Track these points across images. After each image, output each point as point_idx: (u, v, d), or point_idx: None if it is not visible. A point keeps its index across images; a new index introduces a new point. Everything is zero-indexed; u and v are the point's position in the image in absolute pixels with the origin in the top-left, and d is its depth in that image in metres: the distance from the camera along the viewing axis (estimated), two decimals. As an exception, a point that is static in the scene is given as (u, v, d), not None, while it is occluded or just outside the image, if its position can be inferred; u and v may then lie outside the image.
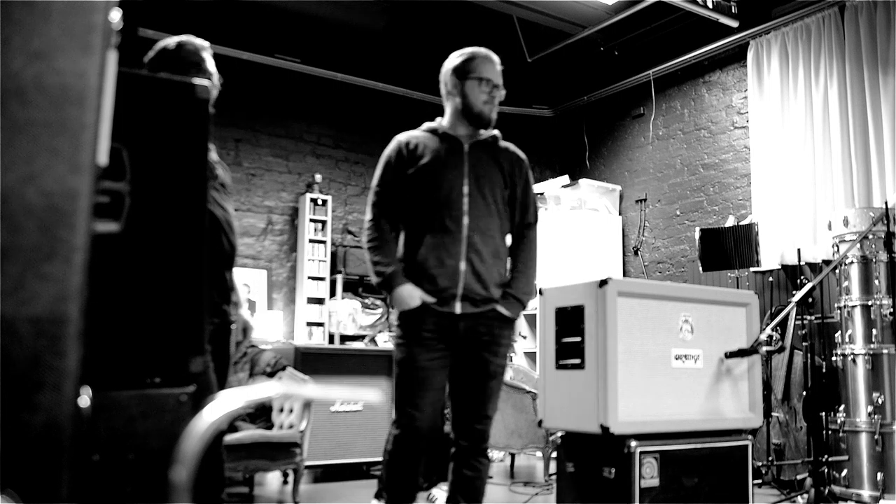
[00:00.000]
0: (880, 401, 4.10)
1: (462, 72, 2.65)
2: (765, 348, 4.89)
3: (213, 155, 2.59)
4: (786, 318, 4.86)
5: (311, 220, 7.39)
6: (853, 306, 4.28)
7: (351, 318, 7.34)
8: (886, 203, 4.28)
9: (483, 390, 2.59)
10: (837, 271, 4.44)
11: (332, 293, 7.47)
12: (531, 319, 7.45)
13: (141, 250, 1.13)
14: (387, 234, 2.71)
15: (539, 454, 5.54)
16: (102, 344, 1.01)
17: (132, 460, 1.10)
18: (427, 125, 2.76)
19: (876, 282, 4.22)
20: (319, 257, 7.41)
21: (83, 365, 0.79)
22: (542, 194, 7.94)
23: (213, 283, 2.53)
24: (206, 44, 2.51)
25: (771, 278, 5.94)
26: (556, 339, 2.92)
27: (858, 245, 4.22)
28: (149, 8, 6.44)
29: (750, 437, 3.02)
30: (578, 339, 2.81)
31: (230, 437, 4.00)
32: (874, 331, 4.19)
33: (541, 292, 3.06)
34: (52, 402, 0.76)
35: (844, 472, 4.16)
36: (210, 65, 2.51)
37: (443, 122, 2.72)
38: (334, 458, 5.06)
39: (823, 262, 5.57)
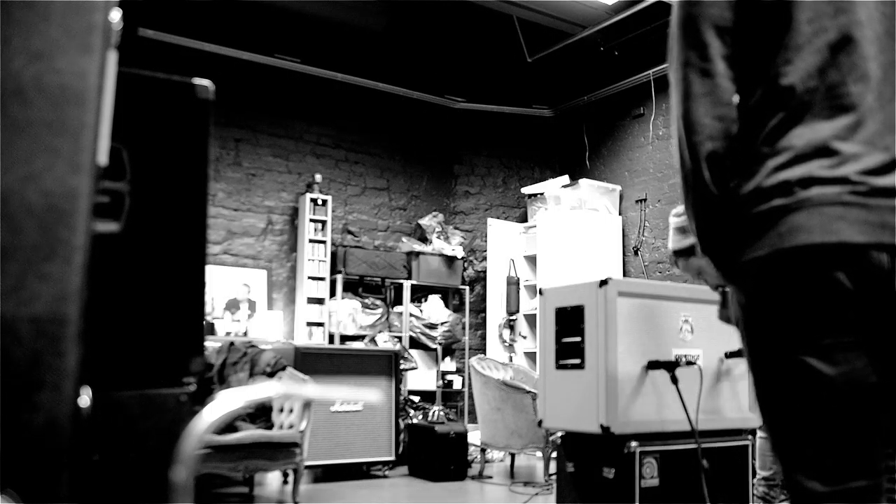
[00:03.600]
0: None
1: None
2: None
3: None
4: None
5: (311, 220, 7.39)
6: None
7: (351, 318, 7.35)
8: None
9: None
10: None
11: (332, 293, 7.47)
12: (531, 319, 7.45)
13: (141, 250, 1.13)
14: None
15: (539, 454, 5.54)
16: (102, 344, 1.01)
17: (132, 460, 1.10)
18: None
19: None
20: (319, 257, 7.41)
21: (83, 365, 0.79)
22: (542, 194, 7.95)
23: None
24: None
25: (771, 278, 5.94)
26: (556, 339, 2.92)
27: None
28: (149, 8, 6.44)
29: (750, 437, 3.02)
30: (578, 339, 2.81)
31: (230, 437, 4.00)
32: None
33: (541, 292, 3.07)
34: (52, 402, 0.76)
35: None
36: None
37: None
38: (334, 458, 5.06)
39: (823, 262, 5.57)
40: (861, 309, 1.14)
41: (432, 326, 7.65)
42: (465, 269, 8.10)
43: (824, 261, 1.14)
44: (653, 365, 2.78)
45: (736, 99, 1.27)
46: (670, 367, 2.74)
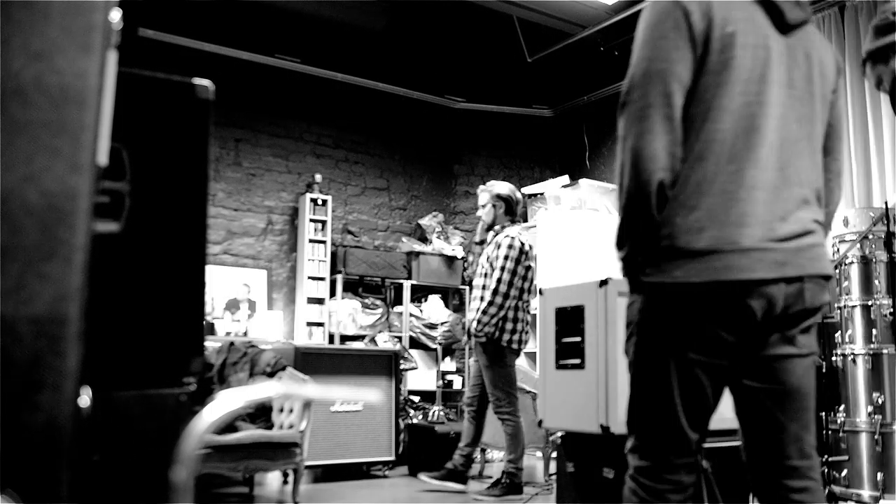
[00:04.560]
0: (880, 401, 4.10)
1: None
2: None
3: None
4: (786, 318, 4.86)
5: (311, 220, 7.39)
6: (853, 306, 4.28)
7: (351, 318, 7.35)
8: (886, 203, 4.28)
9: None
10: (837, 271, 4.44)
11: (332, 293, 7.47)
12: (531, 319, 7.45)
13: (141, 250, 1.13)
14: None
15: (539, 454, 5.54)
16: (102, 344, 1.01)
17: (132, 460, 1.10)
18: None
19: (876, 282, 4.22)
20: (319, 257, 7.41)
21: (83, 365, 0.79)
22: (542, 194, 7.94)
23: None
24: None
25: (771, 278, 5.94)
26: (556, 339, 2.93)
27: (858, 245, 4.22)
28: (149, 8, 6.44)
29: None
30: (578, 339, 2.81)
31: (230, 437, 4.00)
32: (874, 331, 4.19)
33: (541, 292, 3.07)
34: (52, 402, 0.76)
35: (844, 472, 4.16)
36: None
37: None
38: (334, 458, 5.06)
39: (823, 262, 5.57)
40: (741, 326, 1.54)
41: (432, 326, 7.65)
42: (465, 269, 8.10)
43: (741, 292, 1.51)
44: None
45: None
46: None
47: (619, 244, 1.64)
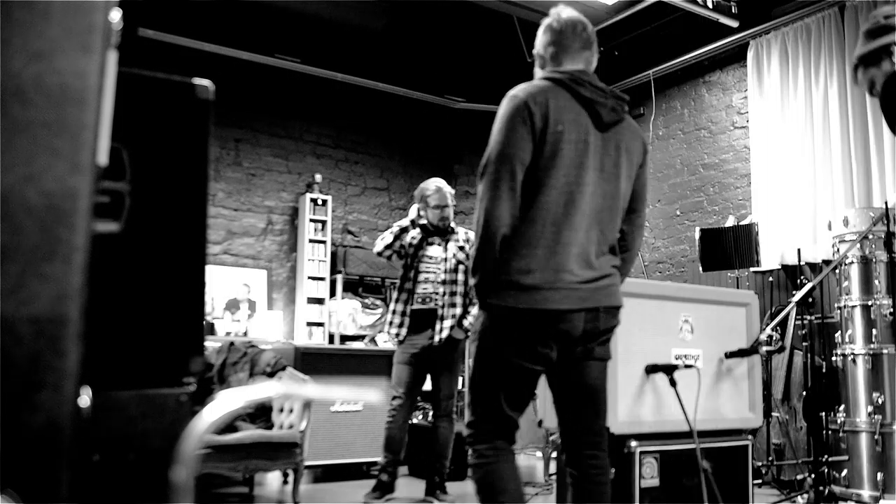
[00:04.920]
0: (880, 401, 4.10)
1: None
2: (765, 348, 4.89)
3: None
4: (786, 318, 4.86)
5: (311, 220, 7.39)
6: (853, 306, 4.28)
7: (351, 318, 7.35)
8: (886, 203, 4.28)
9: None
10: (837, 271, 4.44)
11: (332, 293, 7.47)
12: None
13: (141, 250, 1.13)
14: None
15: (539, 454, 5.54)
16: (102, 344, 1.01)
17: (132, 460, 1.10)
18: None
19: (876, 282, 4.22)
20: (319, 257, 7.41)
21: (83, 365, 0.79)
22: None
23: None
24: None
25: (771, 278, 5.94)
26: (556, 339, 2.92)
27: (858, 245, 4.22)
28: (149, 8, 6.44)
29: (750, 437, 3.02)
30: (578, 339, 2.81)
31: (230, 437, 4.00)
32: (874, 331, 4.19)
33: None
34: (52, 402, 0.76)
35: (844, 472, 4.16)
36: None
37: None
38: (334, 458, 5.06)
39: (823, 262, 5.57)
40: (554, 341, 2.15)
41: (432, 326, 7.64)
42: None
43: (554, 317, 2.11)
44: (651, 369, 2.78)
45: None
46: (669, 370, 2.74)
47: (473, 273, 2.17)
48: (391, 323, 4.40)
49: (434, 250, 4.44)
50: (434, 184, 4.49)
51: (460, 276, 4.40)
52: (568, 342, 2.16)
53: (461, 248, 4.45)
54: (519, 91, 2.20)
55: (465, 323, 4.36)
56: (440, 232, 4.46)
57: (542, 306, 2.09)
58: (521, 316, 2.11)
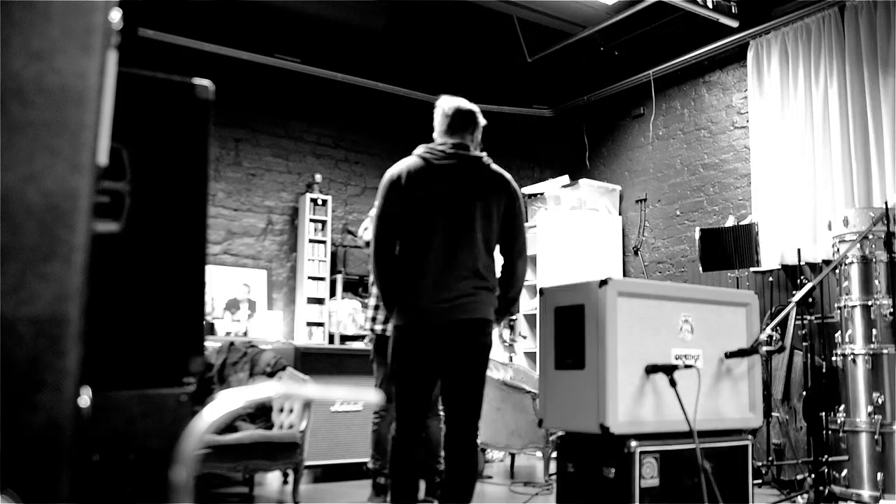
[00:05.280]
0: (880, 401, 4.10)
1: None
2: (765, 348, 4.89)
3: None
4: (786, 318, 4.86)
5: (311, 220, 7.39)
6: (853, 306, 4.28)
7: (351, 318, 7.35)
8: (886, 203, 4.28)
9: None
10: (837, 271, 4.44)
11: (332, 293, 7.47)
12: (531, 319, 7.45)
13: (141, 250, 1.13)
14: None
15: (539, 454, 5.54)
16: (102, 344, 1.01)
17: (132, 460, 1.10)
18: None
19: (876, 282, 4.22)
20: (319, 257, 7.41)
21: (83, 365, 0.79)
22: (542, 194, 7.94)
23: None
24: None
25: (771, 278, 5.94)
26: (556, 339, 2.92)
27: (858, 245, 4.22)
28: (149, 8, 6.44)
29: (750, 437, 3.02)
30: (578, 339, 2.81)
31: (230, 437, 4.00)
32: (874, 331, 4.19)
33: (541, 292, 3.06)
34: (52, 402, 0.76)
35: (844, 472, 4.16)
36: None
37: None
38: (334, 458, 5.06)
39: (823, 262, 5.57)
40: (433, 348, 2.88)
41: (432, 326, 7.64)
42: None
43: (422, 330, 2.86)
44: (651, 369, 2.78)
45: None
46: (668, 370, 2.74)
47: (384, 304, 2.99)
48: (374, 319, 4.27)
49: None
50: None
51: None
52: (440, 349, 2.93)
53: None
54: None
55: None
56: None
57: (413, 323, 2.94)
58: (404, 330, 2.98)
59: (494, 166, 3.04)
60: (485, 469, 5.46)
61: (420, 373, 2.88)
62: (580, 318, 2.81)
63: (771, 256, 5.93)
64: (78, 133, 0.81)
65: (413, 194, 2.85)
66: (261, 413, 4.53)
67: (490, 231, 2.90)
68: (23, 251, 0.76)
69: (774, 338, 5.03)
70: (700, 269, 5.73)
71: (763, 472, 4.85)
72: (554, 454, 4.27)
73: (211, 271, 6.70)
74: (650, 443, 2.70)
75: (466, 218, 2.86)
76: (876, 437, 4.05)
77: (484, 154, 3.05)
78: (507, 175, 3.04)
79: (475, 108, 3.08)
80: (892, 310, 4.17)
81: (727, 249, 5.54)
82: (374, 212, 3.84)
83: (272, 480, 5.21)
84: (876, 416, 4.08)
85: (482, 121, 3.11)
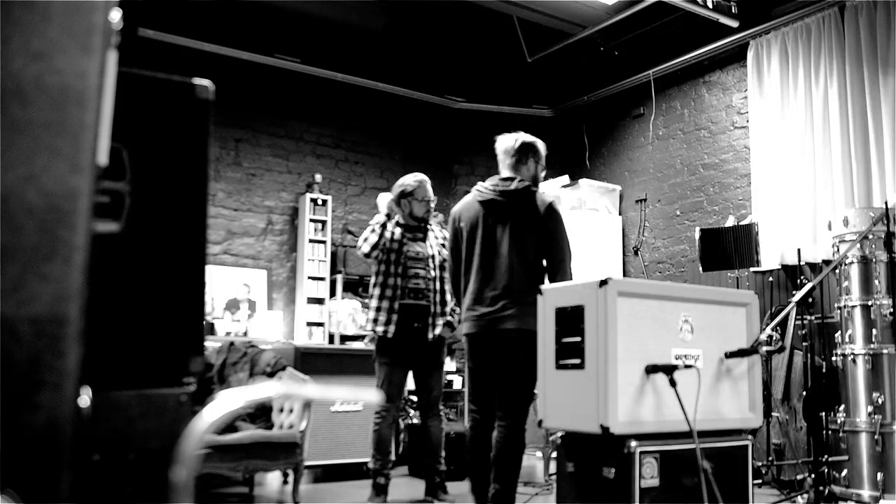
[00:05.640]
0: (880, 401, 4.10)
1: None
2: (765, 348, 4.89)
3: None
4: (786, 318, 4.86)
5: (311, 220, 7.39)
6: (853, 306, 4.28)
7: (351, 318, 7.35)
8: (886, 203, 4.28)
9: None
10: (837, 271, 4.43)
11: (332, 293, 7.47)
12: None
13: (141, 250, 1.13)
14: None
15: (539, 454, 5.54)
16: (102, 344, 1.01)
17: (132, 460, 1.10)
18: None
19: (876, 282, 4.22)
20: (319, 257, 7.41)
21: (83, 365, 0.79)
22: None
23: None
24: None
25: (771, 278, 5.94)
26: (556, 339, 2.92)
27: (858, 245, 4.22)
28: (149, 8, 6.44)
29: (750, 437, 3.02)
30: (578, 339, 2.80)
31: (230, 437, 4.00)
32: (874, 331, 4.19)
33: (541, 292, 3.07)
34: (52, 402, 0.76)
35: (844, 472, 4.16)
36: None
37: None
38: (334, 458, 5.06)
39: (823, 262, 5.57)
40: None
41: (432, 326, 7.63)
42: (465, 269, 8.09)
43: (468, 337, 3.56)
44: (651, 369, 2.77)
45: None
46: (668, 370, 2.74)
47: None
48: (376, 321, 4.28)
49: (417, 245, 4.40)
50: (415, 178, 4.44)
51: (447, 274, 4.40)
52: (488, 350, 3.47)
53: (443, 246, 4.43)
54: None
55: (454, 321, 4.35)
56: (417, 227, 4.44)
57: (466, 331, 3.56)
58: (466, 336, 3.58)
59: (539, 194, 3.45)
60: (485, 469, 5.46)
61: (484, 369, 3.48)
62: (580, 319, 2.80)
63: (771, 256, 5.93)
64: (78, 133, 0.81)
65: (461, 227, 3.54)
66: (261, 413, 4.53)
67: (525, 252, 3.38)
68: (23, 251, 0.76)
69: (774, 338, 5.03)
70: (700, 269, 5.73)
71: (763, 472, 4.85)
72: (554, 454, 4.27)
73: (211, 271, 6.70)
74: (650, 443, 2.70)
75: (496, 242, 3.41)
76: (876, 437, 4.05)
77: (527, 183, 3.45)
78: (545, 198, 3.44)
79: (520, 140, 3.54)
80: (892, 310, 4.16)
81: (727, 249, 5.54)
82: (373, 220, 4.39)
83: (272, 480, 5.21)
84: (876, 416, 4.08)
85: (539, 150, 3.57)
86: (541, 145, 3.60)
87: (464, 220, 3.51)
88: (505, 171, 3.54)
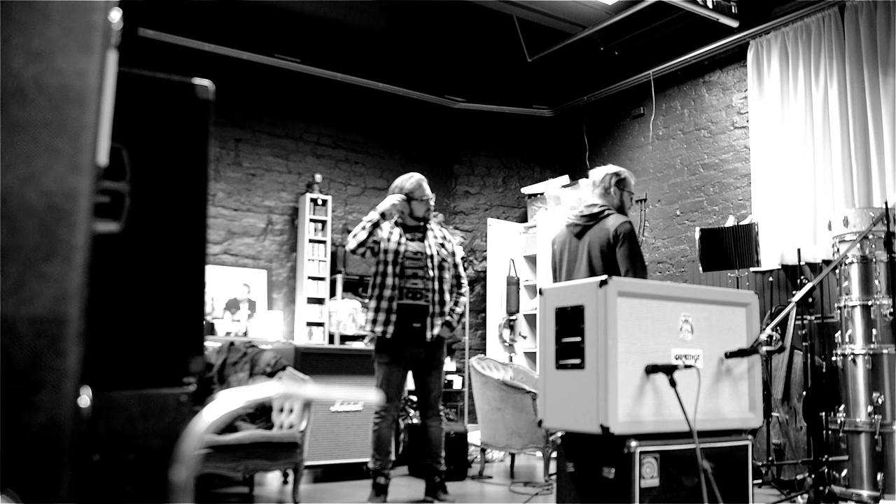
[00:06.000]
0: (880, 401, 4.10)
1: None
2: (765, 348, 4.89)
3: None
4: (786, 318, 4.86)
5: (311, 220, 7.39)
6: (853, 306, 4.28)
7: (351, 318, 7.35)
8: (886, 203, 4.28)
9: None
10: (837, 271, 4.43)
11: (332, 293, 7.47)
12: (531, 319, 7.45)
13: (141, 250, 1.13)
14: None
15: (539, 454, 5.54)
16: (102, 344, 1.01)
17: (132, 460, 1.10)
18: None
19: (876, 282, 4.22)
20: (319, 257, 7.41)
21: (83, 365, 0.79)
22: (542, 194, 7.94)
23: None
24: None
25: (771, 278, 5.94)
26: (556, 339, 2.92)
27: (858, 245, 4.21)
28: (149, 8, 6.44)
29: (750, 437, 3.02)
30: (578, 339, 2.81)
31: (230, 437, 4.00)
32: (874, 331, 4.19)
33: (541, 292, 3.07)
34: (52, 402, 0.76)
35: (844, 472, 4.16)
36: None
37: None
38: (334, 458, 5.06)
39: (823, 262, 5.57)
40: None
41: (432, 326, 7.63)
42: (465, 269, 8.09)
43: None
44: (651, 369, 2.77)
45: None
46: (669, 370, 2.74)
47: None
48: (374, 321, 4.26)
49: (416, 245, 4.38)
50: (414, 178, 4.43)
51: (446, 274, 4.39)
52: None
53: (442, 246, 4.43)
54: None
55: (452, 320, 4.36)
56: (417, 227, 4.44)
57: None
58: None
59: (614, 217, 3.74)
60: (485, 469, 5.46)
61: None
62: (580, 319, 2.81)
63: (771, 256, 5.93)
64: (78, 133, 0.81)
65: (555, 249, 3.97)
66: (261, 413, 4.53)
67: (596, 271, 3.67)
68: (23, 251, 0.76)
69: (774, 338, 5.03)
70: (700, 269, 5.72)
71: (763, 472, 4.85)
72: (554, 454, 4.27)
73: (211, 271, 6.70)
74: (650, 443, 2.70)
75: (576, 261, 3.81)
76: (876, 437, 4.05)
77: (607, 209, 3.78)
78: (616, 222, 3.70)
79: (607, 171, 3.88)
80: (892, 310, 4.16)
81: (727, 249, 5.54)
82: (366, 218, 4.33)
83: (272, 480, 5.21)
84: (876, 416, 4.08)
85: (624, 180, 3.88)
86: (626, 174, 3.92)
87: (556, 243, 3.94)
88: (591, 199, 3.90)
